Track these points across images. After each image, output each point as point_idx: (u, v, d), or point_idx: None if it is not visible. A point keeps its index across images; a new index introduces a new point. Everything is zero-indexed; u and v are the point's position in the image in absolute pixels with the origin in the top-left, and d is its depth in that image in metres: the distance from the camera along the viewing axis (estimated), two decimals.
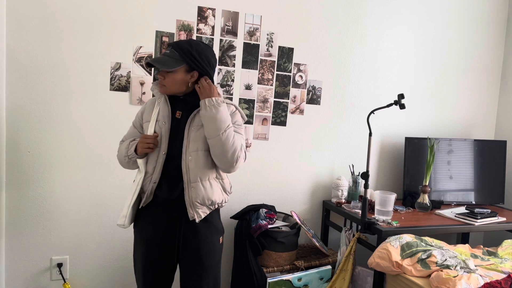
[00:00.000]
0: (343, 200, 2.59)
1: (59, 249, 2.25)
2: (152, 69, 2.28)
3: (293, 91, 2.58)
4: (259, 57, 2.48)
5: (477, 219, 2.37)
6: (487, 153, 2.87)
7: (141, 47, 2.26)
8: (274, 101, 2.55)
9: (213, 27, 2.37)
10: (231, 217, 2.41)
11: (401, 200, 2.76)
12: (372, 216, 2.31)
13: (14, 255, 2.18)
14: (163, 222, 1.67)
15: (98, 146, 2.25)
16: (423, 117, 2.95)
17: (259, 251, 2.23)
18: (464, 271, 1.87)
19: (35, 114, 2.13)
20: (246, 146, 2.52)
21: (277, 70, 2.53)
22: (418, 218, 2.41)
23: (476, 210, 2.44)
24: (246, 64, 2.46)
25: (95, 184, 2.27)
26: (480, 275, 1.86)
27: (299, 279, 2.20)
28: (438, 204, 2.62)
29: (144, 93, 2.29)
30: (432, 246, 2.05)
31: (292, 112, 2.60)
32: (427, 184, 2.55)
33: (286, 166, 2.64)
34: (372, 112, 2.24)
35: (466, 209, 2.55)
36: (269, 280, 2.13)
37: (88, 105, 2.22)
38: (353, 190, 2.64)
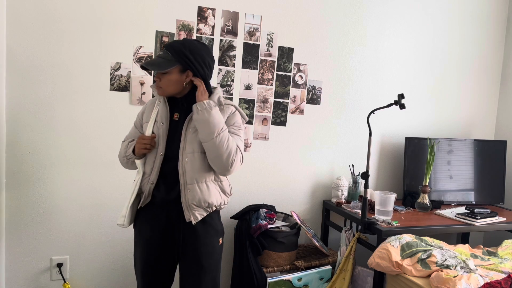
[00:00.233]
0: (343, 200, 2.59)
1: (59, 249, 2.25)
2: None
3: (293, 91, 2.58)
4: (259, 57, 2.48)
5: (477, 219, 2.37)
6: (487, 153, 2.87)
7: (141, 47, 2.26)
8: (274, 101, 2.55)
9: (213, 27, 2.37)
10: (231, 217, 2.41)
11: (401, 200, 2.76)
12: (372, 216, 2.31)
13: (14, 255, 2.18)
14: (162, 222, 1.67)
15: (98, 146, 2.25)
16: (423, 117, 2.95)
17: (259, 251, 2.23)
18: (464, 271, 1.87)
19: (35, 114, 2.14)
20: (246, 146, 2.52)
21: (277, 70, 2.53)
22: (418, 218, 2.41)
23: (476, 210, 2.44)
24: (246, 64, 2.46)
25: (95, 184, 2.27)
26: (480, 275, 1.86)
27: (299, 279, 2.20)
28: (438, 204, 2.62)
29: (144, 93, 2.29)
30: (432, 246, 2.05)
31: (292, 112, 2.60)
32: (427, 184, 2.55)
33: (286, 166, 2.64)
34: (372, 112, 2.24)
35: (466, 209, 2.55)
36: (269, 280, 2.13)
37: (88, 105, 2.22)
38: (353, 190, 2.64)
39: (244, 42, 2.44)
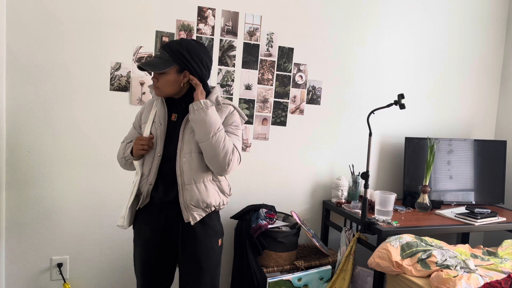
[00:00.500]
0: (343, 200, 2.59)
1: (59, 249, 2.25)
2: None
3: (293, 91, 2.58)
4: (259, 57, 2.48)
5: (477, 219, 2.37)
6: (487, 153, 2.87)
7: (141, 47, 2.26)
8: (274, 101, 2.55)
9: (213, 27, 2.37)
10: (231, 217, 2.41)
11: (401, 200, 2.76)
12: (372, 216, 2.30)
13: (14, 255, 2.18)
14: (161, 223, 1.67)
15: (98, 146, 2.25)
16: (423, 117, 2.95)
17: (259, 251, 2.23)
18: (464, 271, 1.87)
19: (35, 114, 2.13)
20: (246, 146, 2.52)
21: (277, 70, 2.53)
22: (418, 218, 2.41)
23: (476, 210, 2.44)
24: (246, 64, 2.46)
25: (95, 184, 2.27)
26: (480, 275, 1.86)
27: (299, 279, 2.20)
28: (438, 204, 2.62)
29: (144, 93, 2.29)
30: (432, 246, 2.05)
31: (292, 112, 2.60)
32: (427, 184, 2.55)
33: (286, 166, 2.64)
34: (372, 112, 2.24)
35: (466, 209, 2.55)
36: (269, 280, 2.13)
37: (88, 105, 2.22)
38: (353, 190, 2.64)
39: (244, 42, 2.44)
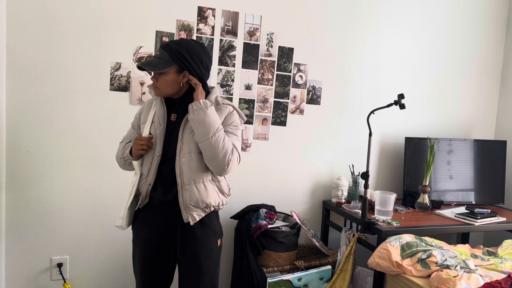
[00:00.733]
0: (343, 200, 2.59)
1: (59, 249, 2.25)
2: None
3: (293, 91, 2.58)
4: (259, 57, 2.48)
5: (477, 219, 2.37)
6: (487, 153, 2.87)
7: (141, 47, 2.26)
8: (274, 101, 2.55)
9: (213, 27, 2.37)
10: (231, 217, 2.41)
11: (401, 200, 2.76)
12: (372, 216, 2.30)
13: (14, 255, 2.18)
14: (160, 224, 1.67)
15: (98, 146, 2.25)
16: (423, 117, 2.95)
17: (259, 251, 2.23)
18: (464, 271, 1.87)
19: (35, 114, 2.13)
20: (246, 146, 2.52)
21: (277, 70, 2.53)
22: (418, 218, 2.41)
23: (476, 210, 2.44)
24: (246, 64, 2.46)
25: (95, 184, 2.27)
26: (480, 275, 1.86)
27: (299, 279, 2.20)
28: (438, 204, 2.62)
29: (144, 93, 2.29)
30: (432, 246, 2.05)
31: (292, 112, 2.60)
32: (427, 184, 2.55)
33: (286, 166, 2.64)
34: (372, 112, 2.24)
35: (466, 209, 2.55)
36: (269, 280, 2.13)
37: (88, 105, 2.22)
38: (353, 190, 2.64)
39: (244, 42, 2.44)
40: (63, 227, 2.25)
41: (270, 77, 2.52)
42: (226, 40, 2.40)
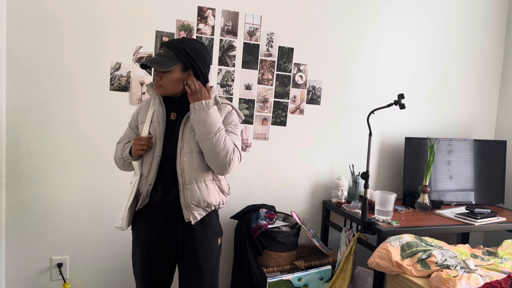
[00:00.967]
0: (343, 200, 2.59)
1: (59, 249, 2.25)
2: (152, 69, 2.28)
3: (293, 91, 2.58)
4: (259, 57, 2.48)
5: (477, 219, 2.37)
6: (487, 153, 2.87)
7: (141, 47, 2.26)
8: (274, 101, 2.55)
9: (213, 27, 2.37)
10: (231, 217, 2.41)
11: (401, 200, 2.76)
12: (372, 216, 2.30)
13: (14, 255, 2.18)
14: (160, 224, 1.67)
15: (98, 146, 2.25)
16: (423, 117, 2.95)
17: (259, 251, 2.23)
18: (464, 271, 1.87)
19: (35, 114, 2.13)
20: (246, 146, 2.52)
21: (277, 70, 2.53)
22: (418, 218, 2.41)
23: (476, 210, 2.44)
24: (246, 64, 2.46)
25: (95, 184, 2.27)
26: (480, 275, 1.86)
27: (299, 279, 2.20)
28: (438, 204, 2.62)
29: (144, 93, 2.29)
30: (432, 246, 2.05)
31: (292, 112, 2.60)
32: (427, 184, 2.55)
33: (286, 166, 2.64)
34: (372, 112, 2.24)
35: (466, 209, 2.55)
36: (269, 280, 2.13)
37: (88, 105, 2.22)
38: (353, 190, 2.64)
39: (244, 42, 2.44)
40: (63, 227, 2.25)
41: (270, 77, 2.52)
42: (226, 40, 2.40)
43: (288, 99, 2.58)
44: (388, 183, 2.91)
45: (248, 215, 2.32)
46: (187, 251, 1.66)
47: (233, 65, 2.44)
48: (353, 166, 2.70)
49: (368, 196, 2.26)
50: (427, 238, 2.11)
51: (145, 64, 1.58)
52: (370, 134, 2.22)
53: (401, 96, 2.16)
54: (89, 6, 2.15)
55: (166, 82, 1.60)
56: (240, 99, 2.48)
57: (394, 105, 2.20)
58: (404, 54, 2.84)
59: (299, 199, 2.70)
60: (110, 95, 2.24)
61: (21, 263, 2.20)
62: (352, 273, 2.25)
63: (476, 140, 2.87)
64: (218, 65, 2.41)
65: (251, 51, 2.46)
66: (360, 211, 2.29)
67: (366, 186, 2.21)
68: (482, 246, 2.33)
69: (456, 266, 1.89)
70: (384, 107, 2.24)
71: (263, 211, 2.35)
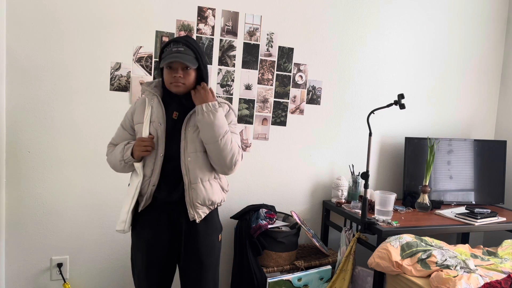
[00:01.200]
0: (343, 200, 2.59)
1: (59, 249, 2.25)
2: (152, 69, 2.28)
3: (293, 91, 2.58)
4: (259, 57, 2.48)
5: (477, 219, 2.37)
6: (487, 153, 2.87)
7: (141, 47, 2.26)
8: (274, 101, 2.55)
9: (213, 27, 2.37)
10: (231, 217, 2.41)
11: (401, 200, 2.76)
12: (372, 216, 2.30)
13: (14, 255, 2.18)
14: (163, 223, 1.66)
15: (98, 146, 2.24)
16: (423, 117, 2.95)
17: (259, 251, 2.23)
18: (464, 271, 1.87)
19: (35, 114, 2.13)
20: (246, 146, 2.53)
21: (277, 70, 2.53)
22: (418, 218, 2.41)
23: (476, 210, 2.44)
24: (246, 64, 2.46)
25: (95, 184, 2.27)
26: (480, 275, 1.86)
27: (299, 279, 2.20)
28: (438, 204, 2.62)
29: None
30: (432, 246, 2.05)
31: (292, 112, 2.60)
32: (427, 184, 2.55)
33: (286, 166, 2.64)
34: (372, 112, 2.24)
35: (466, 209, 2.55)
36: (269, 280, 2.13)
37: (88, 105, 2.22)
38: (353, 190, 2.64)
39: (244, 42, 2.44)
40: (63, 227, 2.25)
41: (270, 77, 2.52)
42: (226, 40, 2.40)
43: (288, 99, 2.58)
44: (388, 183, 2.91)
45: (248, 215, 2.32)
46: (190, 248, 1.67)
47: (233, 65, 2.44)
48: (353, 166, 2.70)
49: (368, 196, 2.26)
50: (427, 238, 2.11)
51: (178, 60, 1.54)
52: (370, 134, 2.22)
53: (401, 96, 2.16)
54: (89, 6, 2.15)
55: (189, 80, 1.60)
56: (240, 99, 2.48)
57: (394, 105, 2.20)
58: (404, 54, 2.84)
59: (299, 199, 2.70)
60: (110, 95, 2.24)
61: (21, 263, 2.20)
62: (352, 273, 2.25)
63: (476, 140, 2.87)
64: (218, 65, 2.41)
65: (251, 51, 2.46)
66: (360, 211, 2.29)
67: (366, 186, 2.21)
68: (482, 246, 2.33)
69: (456, 266, 1.89)
70: (384, 107, 2.24)
71: (263, 211, 2.35)
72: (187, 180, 1.61)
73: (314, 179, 2.72)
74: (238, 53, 2.44)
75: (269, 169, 2.60)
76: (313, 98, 2.64)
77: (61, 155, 2.20)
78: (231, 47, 2.42)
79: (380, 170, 2.88)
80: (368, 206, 2.35)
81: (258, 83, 2.50)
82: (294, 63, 2.56)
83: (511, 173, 2.98)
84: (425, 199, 2.55)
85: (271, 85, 2.53)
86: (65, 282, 2.25)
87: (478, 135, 3.11)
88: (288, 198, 2.67)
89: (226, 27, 2.40)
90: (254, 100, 2.51)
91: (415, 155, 2.74)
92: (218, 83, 2.42)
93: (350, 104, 2.74)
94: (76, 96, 2.19)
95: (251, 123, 2.52)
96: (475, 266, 1.96)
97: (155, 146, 1.63)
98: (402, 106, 2.16)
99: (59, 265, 2.25)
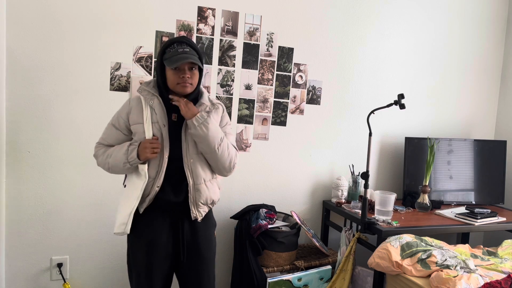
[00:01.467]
0: (343, 200, 2.59)
1: (59, 249, 2.25)
2: (152, 69, 2.28)
3: (293, 91, 2.58)
4: (259, 57, 2.48)
5: (477, 219, 2.37)
6: (487, 153, 2.87)
7: (141, 47, 2.26)
8: (274, 101, 2.55)
9: (213, 27, 2.37)
10: (231, 217, 2.41)
11: (401, 200, 2.76)
12: (372, 216, 2.30)
13: (14, 255, 2.18)
14: (165, 223, 1.67)
15: None
16: (423, 117, 2.95)
17: (259, 251, 2.23)
18: (464, 271, 1.87)
19: (35, 114, 2.13)
20: (246, 146, 2.53)
21: (277, 70, 2.53)
22: (418, 218, 2.41)
23: (476, 210, 2.44)
24: (246, 64, 2.46)
25: (95, 184, 2.27)
26: (480, 275, 1.86)
27: (299, 279, 2.20)
28: (438, 204, 2.62)
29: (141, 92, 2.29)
30: (432, 246, 2.05)
31: (292, 112, 2.60)
32: (427, 184, 2.55)
33: (286, 166, 2.64)
34: (372, 112, 2.24)
35: (466, 209, 2.55)
36: (269, 280, 2.13)
37: (88, 105, 2.22)
38: (353, 190, 2.64)
39: (244, 42, 2.44)
40: (63, 227, 2.25)
41: (270, 77, 2.52)
42: (226, 40, 2.40)
43: (288, 99, 2.58)
44: (388, 183, 2.91)
45: (248, 215, 2.32)
46: (191, 244, 1.69)
47: (233, 65, 2.44)
48: (353, 166, 2.70)
49: (368, 196, 2.26)
50: (427, 238, 2.11)
51: (188, 61, 1.55)
52: (370, 134, 2.22)
53: (401, 96, 2.16)
54: (89, 6, 2.15)
55: (195, 80, 1.63)
56: (240, 99, 2.48)
57: (394, 105, 2.20)
58: (404, 54, 2.84)
59: (299, 199, 2.70)
60: (110, 95, 2.24)
61: (21, 263, 2.20)
62: (352, 273, 2.25)
63: (476, 140, 2.87)
64: (218, 65, 2.41)
65: (251, 51, 2.46)
66: (360, 211, 2.29)
67: (366, 186, 2.21)
68: (482, 246, 2.33)
69: (456, 266, 1.89)
70: (384, 107, 2.24)
71: (263, 211, 2.35)
72: (192, 181, 1.63)
73: (314, 179, 2.72)
74: (238, 53, 2.44)
75: (269, 169, 2.60)
76: (313, 98, 2.64)
77: (61, 155, 2.20)
78: (231, 47, 2.42)
79: (380, 170, 2.88)
80: (368, 206, 2.35)
81: (258, 83, 2.50)
82: (294, 63, 2.56)
83: (511, 173, 2.98)
84: (425, 199, 2.55)
85: (271, 85, 2.53)
86: (65, 282, 2.25)
87: (478, 135, 3.11)
88: (288, 198, 2.67)
89: (226, 27, 2.40)
90: (254, 100, 2.51)
91: (415, 155, 2.74)
92: (218, 83, 2.42)
93: (350, 104, 2.74)
94: (76, 96, 2.19)
95: (251, 123, 2.52)
96: (475, 266, 1.96)
97: (161, 147, 1.62)
98: (402, 106, 2.16)
99: (59, 265, 2.25)
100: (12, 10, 2.04)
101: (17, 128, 2.11)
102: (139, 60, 2.26)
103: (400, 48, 2.82)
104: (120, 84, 2.25)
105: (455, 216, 2.45)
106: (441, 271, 1.85)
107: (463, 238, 2.97)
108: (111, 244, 2.34)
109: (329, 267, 2.33)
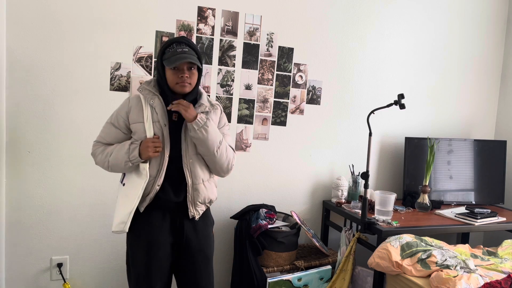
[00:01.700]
0: (343, 200, 2.59)
1: (59, 249, 2.25)
2: (152, 69, 2.28)
3: (293, 91, 2.58)
4: (259, 57, 2.48)
5: (477, 219, 2.37)
6: (487, 153, 2.87)
7: (141, 47, 2.26)
8: (274, 101, 2.55)
9: (213, 27, 2.37)
10: (231, 217, 2.41)
11: (401, 200, 2.76)
12: (372, 216, 2.30)
13: (14, 255, 2.18)
14: (165, 222, 1.67)
15: None
16: (423, 117, 2.95)
17: (259, 251, 2.23)
18: (464, 271, 1.87)
19: (35, 114, 2.13)
20: (246, 146, 2.53)
21: (277, 70, 2.53)
22: (418, 218, 2.41)
23: (476, 210, 2.44)
24: (246, 64, 2.46)
25: (95, 184, 2.27)
26: (480, 275, 1.86)
27: (299, 279, 2.20)
28: (438, 204, 2.62)
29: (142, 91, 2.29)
30: (432, 246, 2.05)
31: (292, 112, 2.60)
32: (427, 184, 2.55)
33: (286, 166, 2.64)
34: (372, 112, 2.24)
35: (466, 209, 2.55)
36: (269, 280, 2.13)
37: (88, 105, 2.22)
38: (353, 190, 2.64)
39: (244, 42, 2.44)
40: (63, 227, 2.25)
41: (270, 77, 2.52)
42: (226, 40, 2.40)
43: (288, 99, 2.58)
44: (388, 183, 2.91)
45: (248, 215, 2.32)
46: (191, 241, 1.70)
47: (233, 65, 2.44)
48: (353, 166, 2.70)
49: (368, 196, 2.26)
50: (427, 238, 2.11)
51: (187, 61, 1.56)
52: (370, 134, 2.22)
53: (401, 96, 2.16)
54: (90, 6, 2.15)
55: (194, 79, 1.64)
56: (240, 99, 2.48)
57: (394, 105, 2.20)
58: (404, 54, 2.84)
59: (299, 199, 2.70)
60: (110, 95, 2.24)
61: (21, 263, 2.20)
62: (352, 273, 2.25)
63: (476, 140, 2.87)
64: (218, 65, 2.41)
65: (251, 51, 2.46)
66: (360, 211, 2.29)
67: (366, 186, 2.21)
68: (482, 246, 2.33)
69: (456, 266, 1.89)
70: (384, 107, 2.24)
71: (263, 211, 2.35)
72: (191, 180, 1.65)
73: (314, 179, 2.72)
74: (238, 53, 2.44)
75: (269, 169, 2.60)
76: (313, 98, 2.64)
77: (61, 155, 2.20)
78: (231, 47, 2.42)
79: (380, 170, 2.88)
80: (368, 206, 2.35)
81: (258, 83, 2.50)
82: (294, 63, 2.56)
83: (511, 173, 2.98)
84: (425, 199, 2.55)
85: (271, 85, 2.53)
86: (65, 282, 2.25)
87: (478, 135, 3.11)
88: (288, 198, 2.67)
89: (226, 27, 2.40)
90: (254, 100, 2.51)
91: (415, 155, 2.74)
92: (218, 83, 2.42)
93: (350, 104, 2.74)
94: (76, 96, 2.19)
95: (251, 123, 2.52)
96: (475, 266, 1.96)
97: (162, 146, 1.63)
98: (402, 106, 2.16)
99: (59, 265, 2.25)
100: (12, 10, 2.04)
101: (17, 128, 2.11)
102: (139, 60, 2.26)
103: (400, 48, 2.82)
104: (120, 84, 2.25)
105: (455, 216, 2.45)
106: (441, 271, 1.85)
107: (463, 238, 2.97)
108: (111, 244, 2.34)
109: (329, 267, 2.33)
